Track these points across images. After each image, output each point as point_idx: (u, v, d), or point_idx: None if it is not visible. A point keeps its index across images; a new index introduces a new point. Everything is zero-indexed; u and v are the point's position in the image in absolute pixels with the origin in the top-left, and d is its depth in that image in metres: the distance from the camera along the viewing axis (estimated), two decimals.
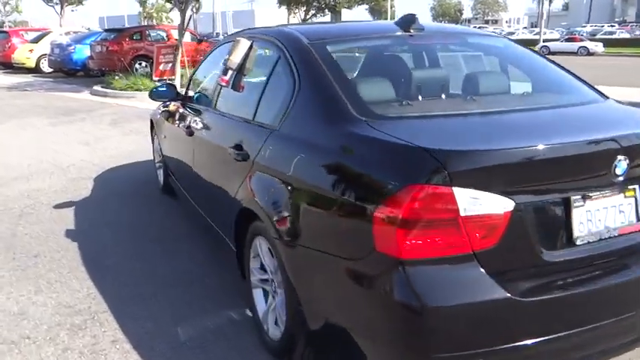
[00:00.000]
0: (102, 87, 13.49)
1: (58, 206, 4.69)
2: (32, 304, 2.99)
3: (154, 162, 5.31)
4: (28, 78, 17.85)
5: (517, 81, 2.59)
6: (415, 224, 1.64)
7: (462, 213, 1.63)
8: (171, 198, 4.79)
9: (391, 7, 57.84)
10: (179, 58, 13.26)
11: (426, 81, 2.46)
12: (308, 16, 16.33)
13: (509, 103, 2.36)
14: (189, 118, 3.58)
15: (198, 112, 3.49)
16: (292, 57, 2.42)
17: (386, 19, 64.71)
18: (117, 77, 13.25)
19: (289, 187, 2.14)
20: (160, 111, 4.57)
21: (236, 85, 2.96)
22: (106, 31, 16.75)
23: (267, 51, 2.85)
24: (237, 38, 3.02)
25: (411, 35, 2.66)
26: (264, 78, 2.70)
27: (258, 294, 2.62)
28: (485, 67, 2.85)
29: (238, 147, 2.58)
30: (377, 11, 65.81)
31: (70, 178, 5.59)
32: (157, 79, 13.44)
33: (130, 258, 3.57)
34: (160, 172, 5.05)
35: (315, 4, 16.12)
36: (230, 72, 2.94)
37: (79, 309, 2.94)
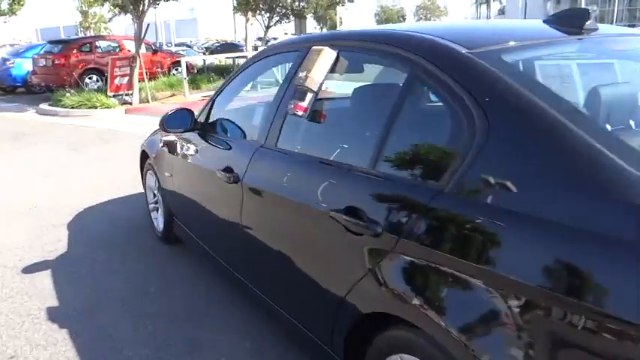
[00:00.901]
0: (50, 105, 12.10)
1: (28, 271, 3.60)
2: None
3: (146, 202, 4.28)
4: None
5: None
6: None
7: None
8: (177, 247, 3.81)
9: (337, 14, 57.58)
10: (137, 70, 12.07)
11: None
12: (272, 23, 15.37)
13: None
14: (225, 157, 2.64)
15: (239, 149, 2.56)
16: (455, 76, 1.54)
17: (333, 27, 64.34)
18: (67, 94, 11.89)
19: (512, 297, 1.25)
20: (162, 141, 3.58)
21: (318, 115, 2.06)
22: (51, 42, 15.24)
23: (378, 64, 1.97)
24: (314, 47, 2.11)
25: (579, 38, 1.85)
26: (382, 105, 1.81)
27: None
28: None
29: (356, 213, 1.67)
30: (323, 18, 65.44)
31: (36, 225, 4.47)
32: (112, 94, 12.21)
33: (154, 358, 2.58)
34: (157, 216, 4.05)
35: (278, 10, 15.21)
36: (309, 96, 2.03)
37: None
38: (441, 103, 1.59)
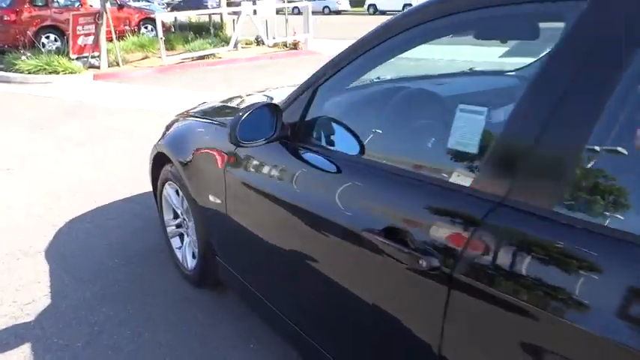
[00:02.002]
0: (1, 70, 10.34)
1: None
2: None
3: (160, 221, 3.00)
4: None
5: None
6: None
7: None
8: (215, 294, 2.60)
9: None
10: (104, 28, 10.38)
11: None
12: None
13: None
14: (376, 206, 1.40)
15: (422, 199, 1.32)
16: None
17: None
18: (23, 57, 10.15)
19: None
20: (206, 142, 2.30)
21: None
22: None
23: None
24: None
25: None
26: None
27: None
28: None
29: None
30: None
31: (0, 253, 3.15)
32: (75, 56, 10.53)
33: None
34: (182, 245, 2.81)
35: None
36: None
37: None
38: None
